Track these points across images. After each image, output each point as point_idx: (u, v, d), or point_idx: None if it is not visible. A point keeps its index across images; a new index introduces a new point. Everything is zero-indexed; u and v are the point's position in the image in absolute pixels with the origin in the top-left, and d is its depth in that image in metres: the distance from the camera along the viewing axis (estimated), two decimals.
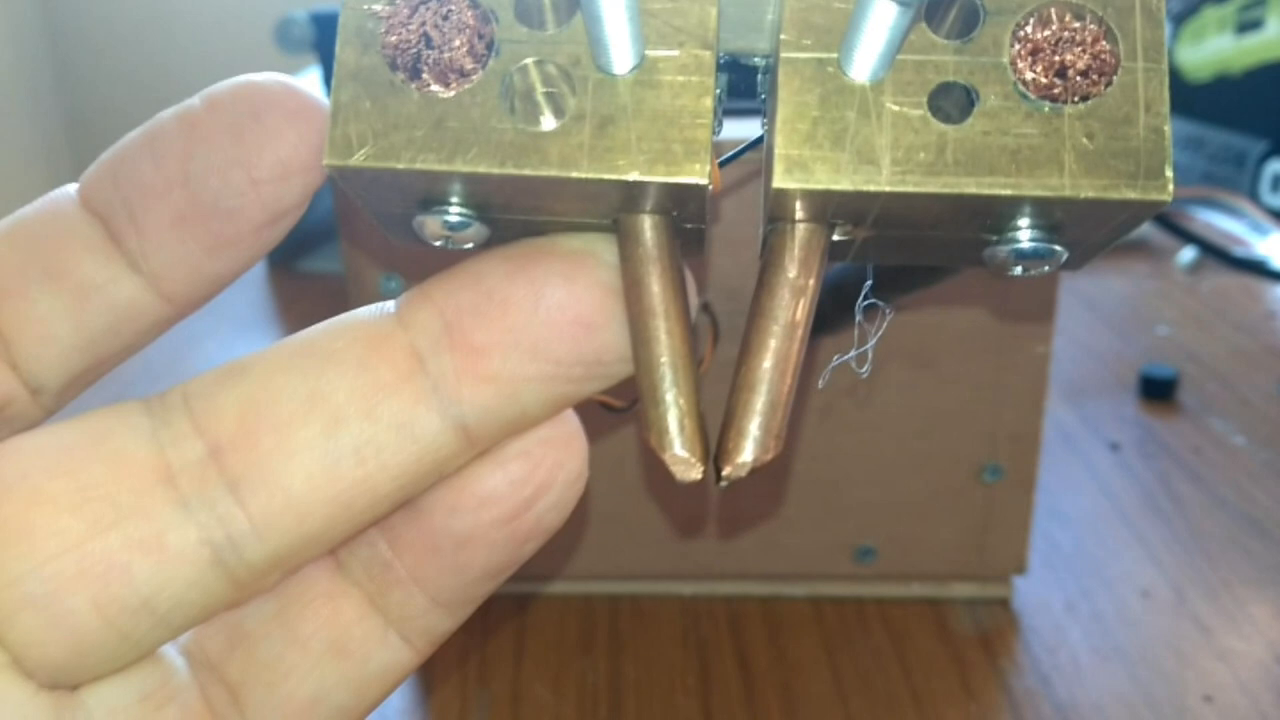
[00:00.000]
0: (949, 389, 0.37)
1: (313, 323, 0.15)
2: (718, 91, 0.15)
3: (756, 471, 0.15)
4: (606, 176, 0.14)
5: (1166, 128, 0.14)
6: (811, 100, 0.15)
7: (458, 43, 0.15)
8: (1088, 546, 0.44)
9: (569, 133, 0.15)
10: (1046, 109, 0.14)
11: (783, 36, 0.15)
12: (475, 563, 0.16)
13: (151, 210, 0.15)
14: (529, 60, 0.15)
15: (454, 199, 0.15)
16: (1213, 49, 0.81)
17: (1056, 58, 0.15)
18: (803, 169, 0.15)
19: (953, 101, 0.15)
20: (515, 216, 0.16)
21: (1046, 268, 0.16)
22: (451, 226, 0.15)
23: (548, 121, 0.15)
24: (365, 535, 0.16)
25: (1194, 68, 0.83)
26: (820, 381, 0.33)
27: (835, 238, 0.16)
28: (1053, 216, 0.15)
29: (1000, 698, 0.36)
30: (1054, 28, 0.15)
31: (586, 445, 0.16)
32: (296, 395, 0.15)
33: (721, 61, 0.16)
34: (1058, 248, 0.15)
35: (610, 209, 0.15)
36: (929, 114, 0.15)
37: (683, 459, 0.15)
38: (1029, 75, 0.15)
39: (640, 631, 0.39)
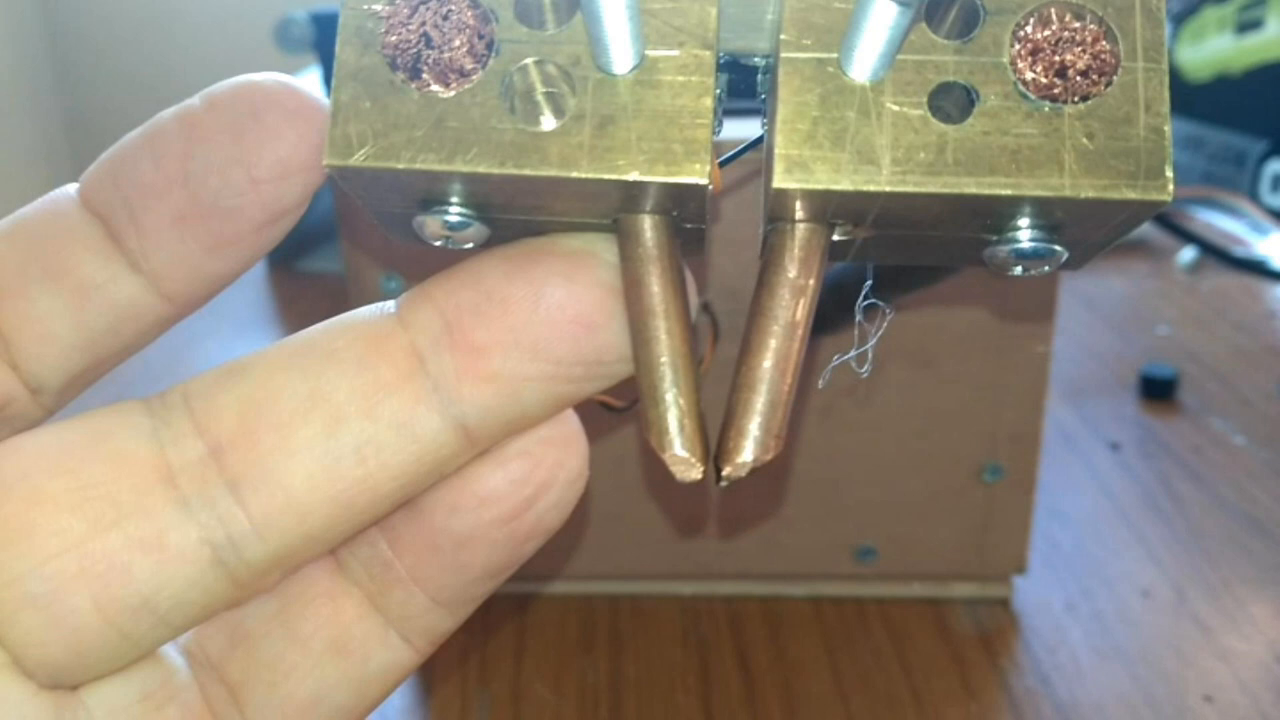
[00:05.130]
0: (949, 389, 0.37)
1: (313, 323, 0.15)
2: (718, 91, 0.15)
3: (756, 471, 0.15)
4: (606, 176, 0.14)
5: (1166, 127, 0.14)
6: (811, 100, 0.15)
7: (458, 43, 0.15)
8: (1088, 546, 0.44)
9: (569, 132, 0.15)
10: (1046, 109, 0.14)
11: (783, 36, 0.15)
12: (475, 562, 0.16)
13: (151, 210, 0.15)
14: (529, 60, 0.15)
15: (454, 199, 0.15)
16: (1213, 49, 0.81)
17: (1056, 58, 0.15)
18: (803, 169, 0.15)
19: (953, 101, 0.15)
20: (515, 216, 0.16)
21: (1046, 268, 0.16)
22: (451, 226, 0.15)
23: (548, 121, 0.15)
24: (365, 535, 0.16)
25: (1194, 68, 0.83)
26: (820, 381, 0.33)
27: (835, 238, 0.16)
28: (1053, 216, 0.15)
29: (1000, 697, 0.36)
30: (1054, 28, 0.15)
31: (587, 445, 0.16)
32: (297, 394, 0.15)
33: (721, 61, 0.16)
34: (1058, 248, 0.15)
35: (610, 209, 0.15)
36: (929, 114, 0.15)
37: (683, 459, 0.15)
38: (1029, 75, 0.15)
39: (640, 631, 0.39)
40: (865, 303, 0.18)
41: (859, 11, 0.14)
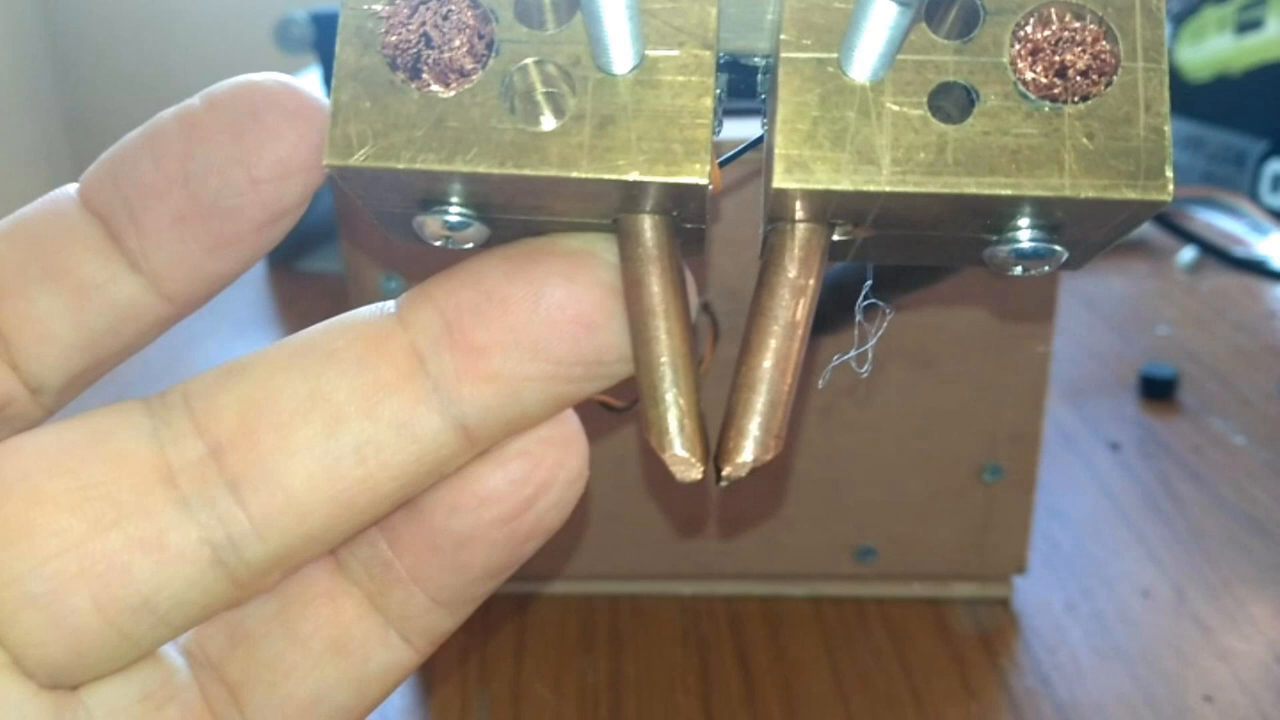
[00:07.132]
0: (949, 389, 0.37)
1: (313, 323, 0.15)
2: (718, 91, 0.15)
3: (756, 471, 0.15)
4: (606, 176, 0.14)
5: (1166, 127, 0.14)
6: (811, 100, 0.15)
7: (458, 43, 0.15)
8: (1088, 546, 0.44)
9: (569, 132, 0.15)
10: (1046, 109, 0.15)
11: (783, 36, 0.15)
12: (475, 562, 0.16)
13: (151, 210, 0.15)
14: (529, 60, 0.15)
15: (454, 199, 0.15)
16: (1213, 49, 0.81)
17: (1056, 57, 0.15)
18: (803, 169, 0.15)
19: (953, 101, 0.15)
20: (515, 216, 0.16)
21: (1046, 268, 0.16)
22: (451, 226, 0.15)
23: (548, 121, 0.15)
24: (365, 535, 0.16)
25: (1194, 68, 0.83)
26: (820, 381, 0.33)
27: (835, 238, 0.16)
28: (1053, 216, 0.15)
29: (1000, 697, 0.36)
30: (1054, 28, 0.15)
31: (587, 445, 0.16)
32: (297, 394, 0.15)
33: (721, 61, 0.16)
34: (1058, 248, 0.15)
35: (610, 209, 0.15)
36: (929, 114, 0.15)
37: (683, 459, 0.15)
38: (1029, 75, 0.15)
39: (640, 631, 0.39)
40: (865, 303, 0.18)
41: (859, 11, 0.14)
